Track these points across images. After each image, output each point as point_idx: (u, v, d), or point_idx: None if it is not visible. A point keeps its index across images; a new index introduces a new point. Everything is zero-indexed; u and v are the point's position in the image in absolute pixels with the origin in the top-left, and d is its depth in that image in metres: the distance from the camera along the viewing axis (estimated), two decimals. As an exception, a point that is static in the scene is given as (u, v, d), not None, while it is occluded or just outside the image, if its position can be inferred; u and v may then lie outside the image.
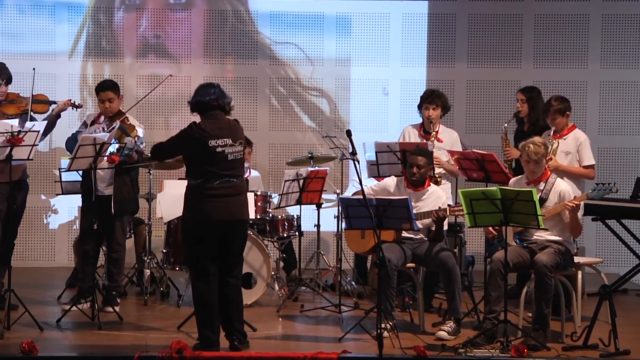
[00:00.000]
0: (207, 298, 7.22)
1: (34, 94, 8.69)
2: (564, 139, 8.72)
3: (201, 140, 7.11)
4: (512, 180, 8.15)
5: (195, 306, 7.33)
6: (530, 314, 7.89)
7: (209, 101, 7.22)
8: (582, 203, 7.76)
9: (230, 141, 7.16)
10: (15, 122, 8.18)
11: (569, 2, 11.43)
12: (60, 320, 8.17)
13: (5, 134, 7.82)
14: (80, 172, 8.68)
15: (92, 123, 8.76)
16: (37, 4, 11.20)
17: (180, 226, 8.95)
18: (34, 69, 8.66)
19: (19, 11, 11.19)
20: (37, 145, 8.15)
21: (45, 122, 8.63)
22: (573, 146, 8.76)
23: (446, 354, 7.30)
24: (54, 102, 8.89)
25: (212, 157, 7.12)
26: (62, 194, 9.82)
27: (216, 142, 7.11)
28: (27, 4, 11.19)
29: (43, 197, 11.12)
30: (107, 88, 8.74)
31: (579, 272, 8.04)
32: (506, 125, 9.34)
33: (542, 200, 7.73)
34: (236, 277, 7.37)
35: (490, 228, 7.85)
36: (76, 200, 8.88)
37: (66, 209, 11.03)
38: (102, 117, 8.76)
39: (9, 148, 7.84)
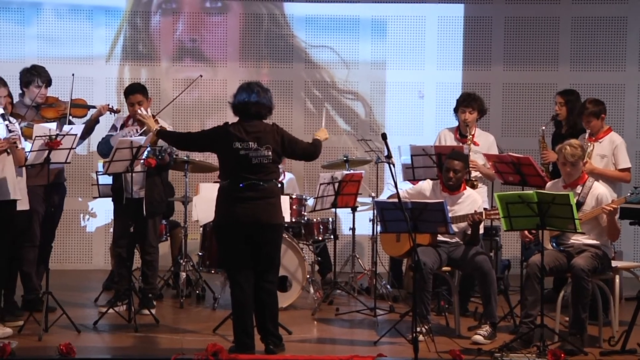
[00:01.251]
0: (242, 302, 7.23)
1: (72, 98, 8.75)
2: (600, 142, 8.66)
3: (226, 140, 7.15)
4: (549, 183, 8.10)
5: (232, 310, 7.35)
6: (567, 319, 7.85)
7: (239, 104, 7.25)
8: (618, 206, 7.71)
9: (256, 145, 7.14)
10: (53, 125, 8.22)
11: (606, 5, 11.36)
12: (97, 323, 8.22)
13: (44, 137, 7.87)
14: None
15: (122, 126, 8.81)
16: (75, 9, 11.27)
17: (217, 229, 9.02)
18: (72, 74, 8.71)
19: (57, 16, 11.27)
20: (75, 148, 8.20)
21: (83, 125, 8.69)
22: (609, 149, 8.69)
23: (482, 358, 7.27)
24: (93, 107, 8.94)
25: (236, 159, 7.14)
26: (99, 197, 9.87)
27: (240, 145, 7.12)
28: (65, 8, 11.27)
29: (80, 200, 11.18)
30: (136, 91, 8.79)
31: (617, 276, 8.00)
32: (544, 128, 9.28)
33: (579, 204, 7.67)
34: (271, 281, 7.36)
35: (527, 232, 7.80)
36: (112, 203, 8.92)
37: (103, 212, 11.09)
38: (132, 120, 8.80)
39: (47, 151, 7.90)
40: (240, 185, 7.13)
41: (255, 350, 7.21)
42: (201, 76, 9.72)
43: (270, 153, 7.19)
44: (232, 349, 7.23)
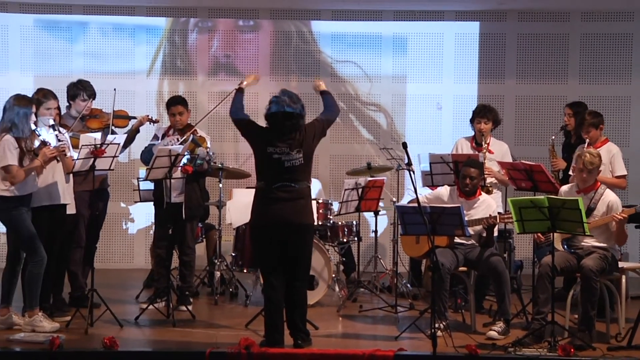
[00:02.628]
0: (273, 300, 7.23)
1: (115, 109, 8.80)
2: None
3: (262, 142, 7.16)
4: (565, 187, 8.03)
5: (264, 307, 7.36)
6: (576, 316, 7.80)
7: (267, 116, 7.24)
8: (627, 216, 7.68)
9: (288, 149, 7.13)
10: (98, 135, 8.27)
11: (613, 22, 11.32)
12: (138, 318, 8.24)
13: (90, 146, 7.93)
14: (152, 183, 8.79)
15: (164, 136, 8.85)
16: (119, 27, 11.34)
17: (247, 231, 9.05)
18: (114, 89, 8.74)
19: (102, 34, 11.34)
20: (118, 156, 8.24)
21: (125, 135, 8.74)
22: (606, 158, 8.66)
23: (496, 352, 7.23)
24: (134, 117, 8.99)
25: (269, 162, 7.13)
26: (140, 201, 9.92)
27: (273, 150, 7.11)
28: (109, 27, 11.34)
29: (123, 204, 11.24)
30: (177, 102, 8.84)
31: (623, 277, 7.94)
32: (553, 137, 9.27)
33: (591, 210, 7.65)
34: (302, 280, 7.33)
35: (540, 234, 7.78)
36: (152, 207, 8.95)
37: (144, 215, 11.13)
38: (172, 130, 8.84)
39: (92, 159, 7.95)
40: (275, 186, 7.13)
41: (284, 345, 7.22)
42: (235, 90, 9.73)
43: (301, 156, 7.16)
44: (262, 343, 7.23)
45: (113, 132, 8.61)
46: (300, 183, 7.21)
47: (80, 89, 8.70)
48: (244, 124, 7.41)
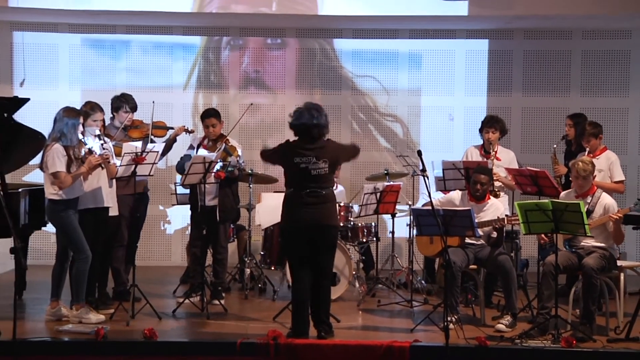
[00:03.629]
0: (300, 295, 7.25)
1: (154, 120, 8.82)
2: (597, 159, 8.59)
3: (287, 156, 7.18)
4: (563, 193, 8.04)
5: (292, 301, 7.37)
6: (578, 311, 7.76)
7: (296, 126, 7.25)
8: (623, 215, 7.64)
9: (315, 159, 7.16)
10: (138, 144, 8.30)
11: (612, 40, 11.26)
12: (176, 311, 8.27)
13: (131, 154, 7.96)
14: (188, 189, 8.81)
15: (199, 146, 8.86)
16: (158, 45, 11.39)
17: (275, 232, 9.05)
18: (153, 101, 8.78)
19: (143, 51, 11.39)
20: (157, 163, 8.27)
21: (163, 144, 8.77)
22: (605, 164, 8.67)
23: (504, 344, 7.22)
24: (171, 128, 9.01)
25: (297, 172, 7.16)
26: (177, 204, 9.93)
27: (300, 160, 7.14)
28: (149, 45, 11.38)
29: (161, 207, 11.27)
30: (211, 115, 8.85)
31: (622, 274, 7.90)
32: (555, 146, 9.27)
33: (589, 212, 7.62)
34: (327, 278, 7.36)
35: (543, 235, 7.75)
36: (188, 210, 8.97)
37: (180, 217, 11.16)
38: (206, 140, 8.86)
39: (133, 166, 7.98)
40: (304, 192, 7.15)
41: (309, 336, 7.22)
42: (252, 104, 9.80)
43: (327, 165, 7.20)
44: (289, 334, 7.23)
45: (152, 141, 8.64)
46: (326, 189, 7.25)
47: (123, 102, 8.73)
48: (276, 158, 7.44)
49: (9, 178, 8.21)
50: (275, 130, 11.27)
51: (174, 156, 9.42)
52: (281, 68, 11.48)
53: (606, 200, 7.76)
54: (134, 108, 8.78)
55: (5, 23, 11.16)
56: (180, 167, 8.69)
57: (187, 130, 9.00)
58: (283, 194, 7.41)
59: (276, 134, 11.11)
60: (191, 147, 8.92)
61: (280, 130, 11.15)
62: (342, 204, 9.29)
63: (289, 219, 7.26)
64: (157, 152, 8.17)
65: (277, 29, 11.42)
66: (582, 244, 7.74)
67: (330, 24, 11.16)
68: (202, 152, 8.40)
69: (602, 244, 7.71)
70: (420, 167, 7.42)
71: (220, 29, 11.42)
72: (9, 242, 7.04)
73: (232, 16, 10.71)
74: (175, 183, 9.92)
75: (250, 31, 11.43)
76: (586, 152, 8.67)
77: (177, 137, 9.02)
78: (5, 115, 7.99)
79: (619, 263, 7.92)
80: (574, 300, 7.80)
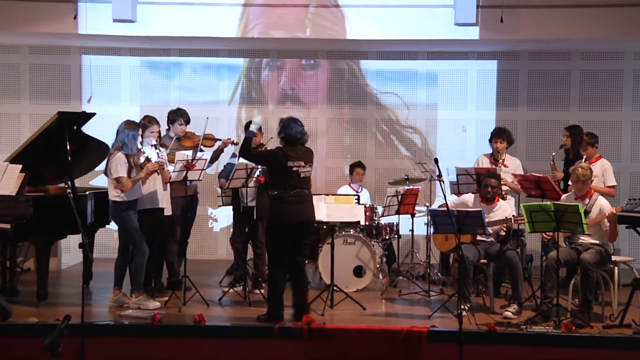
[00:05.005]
0: (281, 282, 7.30)
1: (205, 133, 8.86)
2: (593, 165, 8.52)
3: (282, 161, 7.22)
4: (564, 196, 8.00)
5: (269, 287, 7.36)
6: (577, 300, 7.70)
7: (292, 135, 7.31)
8: (617, 213, 7.59)
9: (303, 163, 7.27)
10: (189, 152, 8.35)
11: (607, 61, 11.17)
12: (222, 299, 8.30)
13: (183, 161, 8.02)
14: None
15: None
16: (206, 66, 11.44)
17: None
18: (207, 118, 8.76)
19: (194, 72, 11.44)
20: (206, 169, 8.31)
21: (212, 153, 8.81)
22: (600, 171, 8.61)
23: (511, 329, 7.20)
24: (219, 140, 9.03)
25: (289, 174, 7.22)
26: (223, 205, 9.98)
27: (293, 164, 7.22)
28: (199, 66, 11.43)
29: (209, 208, 11.32)
30: None
31: (616, 268, 7.83)
32: (554, 154, 9.24)
33: (587, 212, 7.58)
34: (302, 256, 7.39)
35: (545, 233, 7.70)
36: (232, 210, 9.00)
37: (225, 217, 11.19)
38: None
39: (185, 171, 8.03)
40: (292, 192, 7.20)
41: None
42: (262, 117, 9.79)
43: (311, 168, 7.36)
44: (262, 317, 7.31)
45: (201, 150, 8.68)
46: (309, 189, 7.38)
47: (179, 116, 8.79)
48: (270, 160, 7.45)
49: (78, 182, 8.28)
50: (309, 140, 11.23)
51: (222, 164, 9.45)
52: (314, 86, 11.49)
53: (602, 202, 7.72)
54: (187, 121, 8.83)
55: (76, 48, 11.28)
56: (226, 174, 8.71)
57: (232, 143, 9.03)
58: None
59: (309, 143, 11.07)
60: (234, 155, 8.95)
61: (313, 140, 11.14)
62: (367, 205, 9.29)
63: (277, 216, 7.25)
64: (206, 159, 8.22)
65: (310, 52, 11.44)
66: (581, 241, 7.69)
67: (357, 47, 11.16)
68: (243, 160, 8.45)
69: (598, 241, 7.67)
70: (437, 173, 7.42)
71: (260, 51, 11.46)
72: (77, 239, 7.13)
73: (271, 40, 10.75)
74: (221, 187, 9.96)
75: (287, 53, 11.46)
76: (583, 160, 8.63)
77: (224, 148, 9.05)
78: (75, 128, 8.07)
79: (613, 258, 7.85)
80: (573, 291, 7.75)
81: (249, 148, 7.39)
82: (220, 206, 10.27)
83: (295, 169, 7.23)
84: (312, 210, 7.43)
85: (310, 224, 7.41)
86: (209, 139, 8.93)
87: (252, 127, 7.57)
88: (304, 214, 7.28)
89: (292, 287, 7.37)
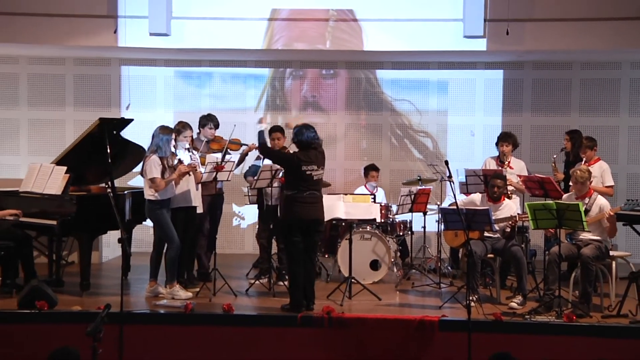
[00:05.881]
0: (300, 275, 7.31)
1: (231, 138, 8.88)
2: (592, 167, 8.48)
3: (298, 165, 7.23)
4: (565, 196, 7.96)
5: (293, 280, 7.36)
6: (577, 292, 7.66)
7: (305, 141, 7.33)
8: (615, 213, 7.55)
9: (316, 167, 7.29)
10: (218, 155, 8.38)
11: (605, 70, 11.11)
12: (248, 290, 8.32)
13: (213, 163, 8.05)
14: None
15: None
16: (235, 76, 11.47)
17: (327, 226, 9.03)
18: (234, 125, 8.76)
19: (223, 81, 11.49)
20: (233, 171, 8.34)
21: (239, 156, 8.83)
22: (598, 172, 8.57)
23: (516, 319, 7.17)
24: (245, 144, 9.06)
25: (304, 177, 7.23)
26: (249, 204, 10.00)
27: (307, 167, 7.24)
28: (228, 76, 11.47)
29: (236, 206, 11.35)
30: (276, 130, 8.88)
31: (614, 262, 7.79)
32: (555, 156, 9.22)
33: (587, 211, 7.54)
34: (315, 252, 7.47)
35: (548, 230, 7.67)
36: (257, 209, 9.02)
37: (251, 214, 11.21)
38: None
39: (215, 173, 8.06)
40: (305, 194, 7.22)
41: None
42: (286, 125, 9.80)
43: (323, 172, 7.38)
44: (285, 307, 7.34)
45: (228, 154, 8.71)
46: (320, 191, 7.40)
47: (209, 121, 8.84)
48: (287, 162, 7.47)
49: (117, 182, 8.34)
50: (328, 143, 11.24)
51: (246, 166, 9.47)
52: (333, 93, 11.50)
53: (601, 201, 7.68)
54: (217, 126, 8.88)
55: (115, 59, 11.37)
56: (251, 174, 8.73)
57: (256, 148, 9.03)
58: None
59: (328, 146, 11.05)
60: (258, 157, 8.97)
61: (331, 143, 11.18)
62: (383, 204, 9.28)
63: (291, 215, 7.28)
64: (234, 162, 8.25)
65: (330, 62, 11.45)
66: (581, 237, 7.65)
67: (373, 57, 11.15)
68: (267, 161, 8.47)
69: (598, 237, 7.63)
70: (447, 174, 7.42)
71: (284, 62, 11.48)
72: (117, 234, 7.18)
73: (294, 52, 10.77)
74: (247, 187, 9.98)
75: (308, 64, 11.47)
76: (583, 162, 8.59)
77: (250, 152, 9.07)
78: (115, 132, 8.13)
79: (611, 253, 7.81)
80: (573, 283, 7.72)
81: (267, 147, 7.61)
82: (246, 204, 10.29)
83: (308, 172, 7.25)
84: (322, 210, 7.43)
85: (319, 222, 7.41)
86: (235, 143, 8.95)
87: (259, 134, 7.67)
88: (315, 213, 7.32)
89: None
